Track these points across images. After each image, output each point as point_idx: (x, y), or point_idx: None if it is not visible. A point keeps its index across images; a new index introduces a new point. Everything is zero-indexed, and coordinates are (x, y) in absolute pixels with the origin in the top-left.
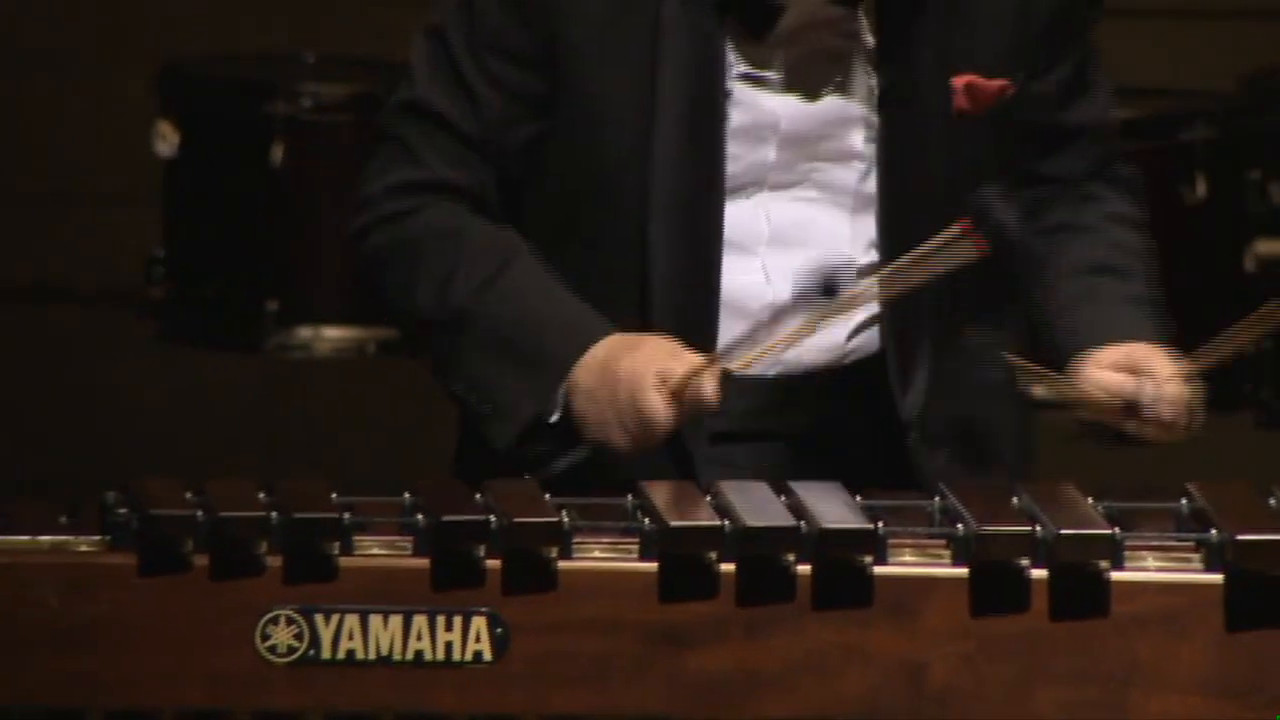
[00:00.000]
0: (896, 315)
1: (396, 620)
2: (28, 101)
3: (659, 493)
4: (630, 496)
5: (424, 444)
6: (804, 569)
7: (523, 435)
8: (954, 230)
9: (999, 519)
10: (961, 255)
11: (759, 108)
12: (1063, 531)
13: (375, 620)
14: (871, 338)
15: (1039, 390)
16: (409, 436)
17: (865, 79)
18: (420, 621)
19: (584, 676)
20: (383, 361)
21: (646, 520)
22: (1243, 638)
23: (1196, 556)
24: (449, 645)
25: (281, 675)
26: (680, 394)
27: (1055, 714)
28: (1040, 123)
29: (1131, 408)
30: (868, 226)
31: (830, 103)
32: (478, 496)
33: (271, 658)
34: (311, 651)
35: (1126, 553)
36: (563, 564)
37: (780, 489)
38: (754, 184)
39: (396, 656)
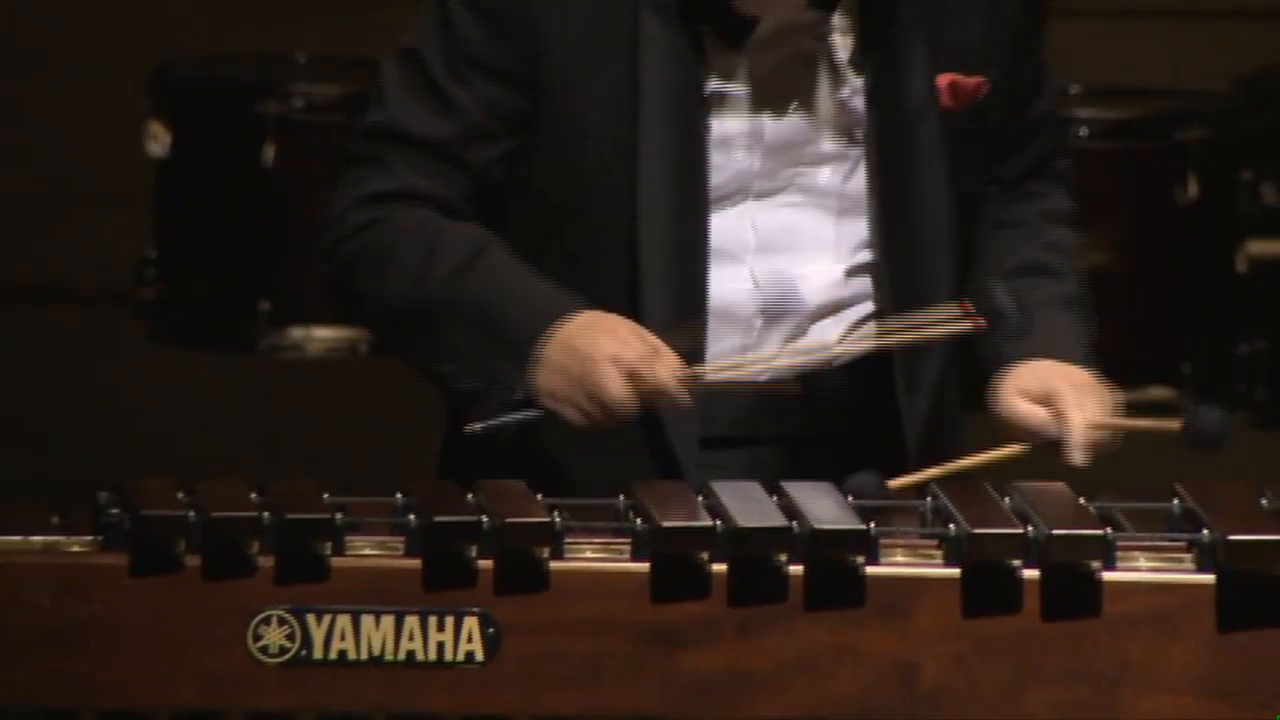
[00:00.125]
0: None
1: (388, 620)
2: (27, 102)
3: (651, 493)
4: (622, 497)
5: (416, 444)
6: (796, 569)
7: (501, 408)
8: (953, 309)
9: (991, 519)
10: (957, 330)
11: (741, 116)
12: (1054, 532)
13: (367, 620)
14: (862, 339)
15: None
16: (401, 436)
17: (834, 81)
18: (412, 622)
19: (576, 677)
20: (375, 361)
21: (638, 520)
22: (1234, 638)
23: (1188, 557)
24: (441, 645)
25: (273, 675)
26: (636, 376)
27: (1047, 714)
28: (1007, 120)
29: (1048, 442)
30: (854, 229)
31: (807, 107)
32: (469, 497)
33: (263, 658)
34: (303, 652)
35: (1118, 553)
36: (555, 564)
37: (772, 489)
38: (739, 193)
39: (388, 657)
